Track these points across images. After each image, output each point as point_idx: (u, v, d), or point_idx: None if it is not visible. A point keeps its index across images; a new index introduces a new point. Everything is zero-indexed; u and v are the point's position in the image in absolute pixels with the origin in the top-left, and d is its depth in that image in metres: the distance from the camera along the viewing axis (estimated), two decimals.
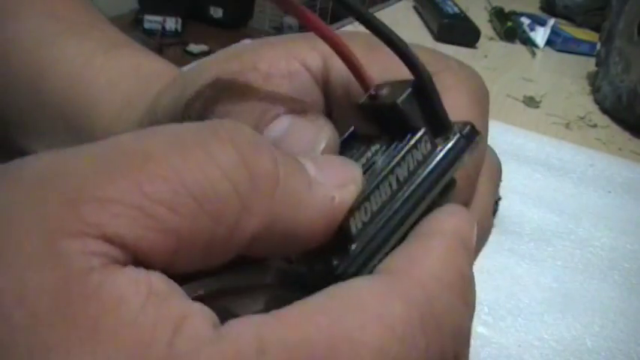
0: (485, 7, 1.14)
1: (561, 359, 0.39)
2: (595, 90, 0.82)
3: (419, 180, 0.19)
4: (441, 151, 0.19)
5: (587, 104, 0.81)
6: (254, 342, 0.15)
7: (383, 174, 0.19)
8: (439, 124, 0.20)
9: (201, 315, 0.15)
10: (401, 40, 0.20)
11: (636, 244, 0.50)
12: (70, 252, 0.15)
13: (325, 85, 0.25)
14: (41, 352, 0.14)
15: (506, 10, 1.08)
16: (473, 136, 0.20)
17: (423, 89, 0.20)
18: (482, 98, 0.24)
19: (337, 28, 0.93)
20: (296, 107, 0.23)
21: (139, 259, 0.15)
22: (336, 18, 2.91)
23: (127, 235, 0.15)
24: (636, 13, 0.76)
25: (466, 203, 0.22)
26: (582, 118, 0.76)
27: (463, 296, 0.18)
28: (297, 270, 0.20)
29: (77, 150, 0.17)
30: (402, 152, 0.19)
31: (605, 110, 0.78)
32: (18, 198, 0.15)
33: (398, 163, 0.19)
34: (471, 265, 0.19)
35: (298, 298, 0.17)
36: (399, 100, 0.20)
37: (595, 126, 0.75)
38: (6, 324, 0.14)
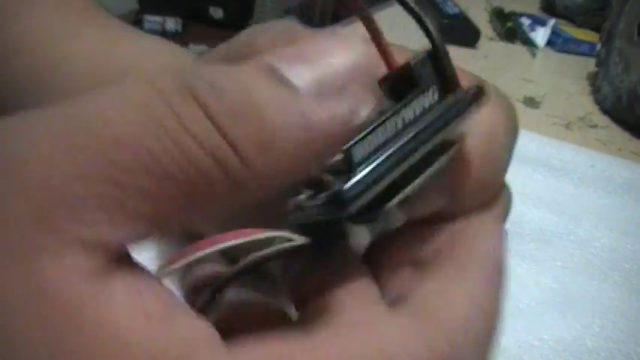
0: (485, 7, 1.14)
1: (561, 359, 0.39)
2: (595, 90, 0.82)
3: (424, 123, 0.20)
4: (447, 101, 0.20)
5: (587, 105, 0.81)
6: None
7: (390, 112, 0.19)
8: (451, 87, 0.21)
9: (207, 334, 0.14)
10: (417, 6, 0.22)
11: (636, 245, 0.50)
12: (48, 275, 0.13)
13: None
14: None
15: (507, 10, 1.08)
16: (479, 94, 0.21)
17: (436, 55, 0.21)
18: (512, 129, 0.23)
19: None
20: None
21: (120, 252, 0.14)
22: (336, 18, 2.91)
23: (107, 234, 0.14)
24: (636, 13, 0.76)
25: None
26: (582, 118, 0.76)
27: (484, 350, 0.18)
28: (308, 209, 0.19)
29: (34, 128, 0.14)
30: (410, 98, 0.20)
31: (605, 111, 0.78)
32: None
33: (404, 105, 0.20)
34: (500, 297, 0.19)
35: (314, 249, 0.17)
36: (413, 62, 0.21)
37: (595, 126, 0.75)
38: None
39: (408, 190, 0.20)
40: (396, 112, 0.19)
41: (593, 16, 1.06)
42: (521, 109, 0.76)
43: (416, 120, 0.20)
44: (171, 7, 3.01)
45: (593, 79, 0.85)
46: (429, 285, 0.18)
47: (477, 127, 0.21)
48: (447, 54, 0.21)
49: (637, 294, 0.45)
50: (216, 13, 3.26)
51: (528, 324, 0.41)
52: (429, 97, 0.20)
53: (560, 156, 0.63)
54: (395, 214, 0.21)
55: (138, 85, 0.15)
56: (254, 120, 0.14)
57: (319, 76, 0.16)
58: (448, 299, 0.17)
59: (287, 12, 3.22)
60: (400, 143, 0.19)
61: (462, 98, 0.20)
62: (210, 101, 0.14)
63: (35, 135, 0.14)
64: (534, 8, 1.18)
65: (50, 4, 0.40)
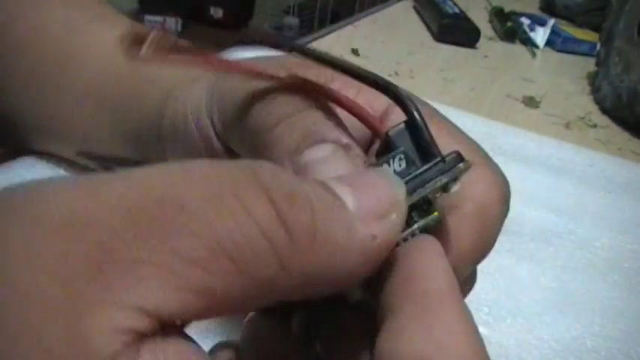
0: (485, 7, 1.14)
1: (561, 359, 0.39)
2: (595, 90, 0.82)
3: None
4: (417, 169, 0.20)
5: (587, 104, 0.81)
6: None
7: None
8: (431, 156, 0.21)
9: None
10: (385, 80, 0.21)
11: (636, 244, 0.50)
12: (95, 334, 0.13)
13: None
14: None
15: (506, 10, 1.08)
16: (456, 161, 0.20)
17: (414, 123, 0.21)
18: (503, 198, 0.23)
19: (336, 30, 0.93)
20: (342, 139, 0.22)
21: (166, 321, 0.14)
22: (335, 18, 2.90)
23: (158, 301, 0.14)
24: (636, 13, 0.76)
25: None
26: (582, 118, 0.76)
27: None
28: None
29: (98, 189, 0.15)
30: (381, 161, 0.20)
31: (605, 110, 0.78)
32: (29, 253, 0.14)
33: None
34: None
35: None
36: (390, 132, 0.21)
37: (595, 126, 0.75)
38: None
39: None
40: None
41: (593, 16, 1.06)
42: (520, 108, 0.76)
43: None
44: (171, 7, 3.01)
45: (593, 79, 0.85)
46: (411, 330, 0.17)
47: (471, 199, 0.22)
48: (424, 124, 0.21)
49: (637, 293, 0.45)
50: (216, 13, 3.26)
51: (528, 323, 0.41)
52: (395, 164, 0.20)
53: (559, 156, 0.63)
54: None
55: (208, 168, 0.16)
56: (310, 217, 0.16)
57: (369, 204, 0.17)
58: (441, 344, 0.16)
59: (286, 12, 3.21)
60: None
61: (432, 165, 0.20)
62: (281, 204, 0.16)
63: (98, 196, 0.15)
64: (534, 8, 1.18)
65: (57, 1, 0.40)
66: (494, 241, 0.23)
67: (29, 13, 0.39)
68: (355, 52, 0.84)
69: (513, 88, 0.81)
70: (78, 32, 0.38)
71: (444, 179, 0.20)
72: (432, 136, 0.21)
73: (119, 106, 0.35)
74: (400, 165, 0.20)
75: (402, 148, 0.20)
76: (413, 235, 0.19)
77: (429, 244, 0.18)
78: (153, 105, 0.32)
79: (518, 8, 1.11)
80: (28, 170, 0.41)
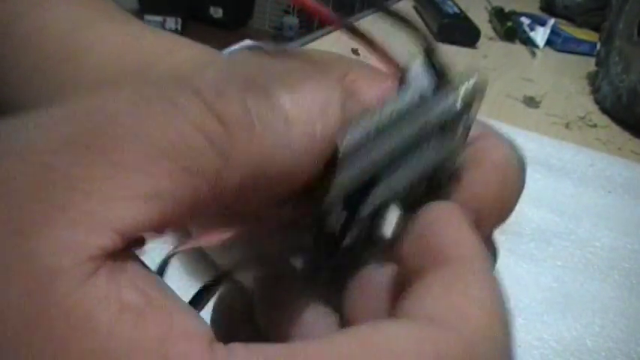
0: (485, 7, 1.14)
1: (561, 359, 0.39)
2: (595, 90, 0.82)
3: (411, 111, 0.20)
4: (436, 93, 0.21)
5: (587, 104, 0.81)
6: None
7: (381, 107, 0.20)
8: (444, 81, 0.21)
9: (190, 331, 0.14)
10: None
11: (636, 245, 0.50)
12: (45, 252, 0.13)
13: None
14: None
15: (506, 10, 1.08)
16: (475, 85, 0.20)
17: (428, 51, 0.21)
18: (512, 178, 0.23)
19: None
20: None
21: (123, 235, 0.14)
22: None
23: (106, 213, 0.14)
24: (636, 13, 0.76)
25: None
26: (582, 118, 0.76)
27: (506, 348, 0.17)
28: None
29: (38, 118, 0.15)
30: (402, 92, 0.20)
31: (605, 110, 0.78)
32: None
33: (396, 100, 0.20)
34: (501, 291, 0.18)
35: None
36: (405, 65, 0.21)
37: (595, 126, 0.75)
38: None
39: (394, 181, 0.20)
40: (389, 106, 0.20)
41: (593, 16, 1.06)
42: (520, 108, 0.76)
43: (407, 110, 0.20)
44: (171, 7, 3.01)
45: (593, 79, 0.85)
46: (431, 294, 0.17)
47: (490, 159, 0.22)
48: (436, 49, 0.21)
49: (637, 293, 0.45)
50: (216, 12, 3.26)
51: (528, 324, 0.41)
52: (423, 90, 0.20)
53: (559, 155, 0.63)
54: (386, 213, 0.21)
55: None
56: (242, 107, 0.16)
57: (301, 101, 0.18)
58: (455, 306, 0.16)
59: (286, 12, 3.22)
60: (387, 123, 0.19)
61: (452, 90, 0.20)
62: (209, 97, 0.16)
63: (40, 124, 0.15)
64: (534, 8, 1.18)
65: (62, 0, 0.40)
66: (513, 208, 0.23)
67: (33, 11, 0.39)
68: (355, 52, 0.84)
69: (513, 88, 0.81)
70: (83, 30, 0.38)
71: (450, 96, 0.20)
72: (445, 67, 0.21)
73: None
74: (427, 92, 0.20)
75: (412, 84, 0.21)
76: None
77: (455, 210, 0.19)
78: None
79: (518, 8, 1.11)
80: None
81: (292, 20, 3.11)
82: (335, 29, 0.25)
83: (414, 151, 0.20)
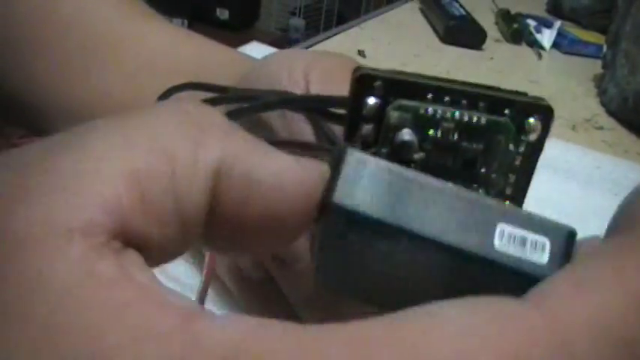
0: (491, 8, 1.13)
1: None
2: (601, 92, 0.82)
3: None
4: None
5: (593, 106, 0.81)
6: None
7: None
8: None
9: (161, 300, 0.13)
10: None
11: None
12: (16, 225, 0.14)
13: None
14: None
15: (513, 12, 1.08)
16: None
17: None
18: None
19: (342, 31, 0.93)
20: None
21: (109, 215, 0.14)
22: (341, 20, 2.90)
23: (86, 191, 0.14)
24: None
25: None
26: (588, 120, 0.76)
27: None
28: None
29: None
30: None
31: (611, 112, 0.78)
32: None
33: None
34: None
35: None
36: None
37: (601, 128, 0.75)
38: None
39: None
40: None
41: (599, 18, 1.06)
42: None
43: None
44: (177, 8, 3.02)
45: (599, 81, 0.84)
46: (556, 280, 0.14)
47: None
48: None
49: None
50: (222, 14, 3.26)
51: None
52: None
53: (566, 158, 0.62)
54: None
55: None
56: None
57: None
58: (596, 284, 0.13)
59: (292, 14, 3.22)
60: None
61: None
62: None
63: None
64: (540, 10, 1.18)
65: None
66: None
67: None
68: (361, 53, 0.84)
69: (519, 90, 0.81)
70: (129, 19, 0.40)
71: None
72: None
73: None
74: None
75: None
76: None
77: None
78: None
79: (524, 10, 1.11)
80: None
81: (299, 22, 3.11)
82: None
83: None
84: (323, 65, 0.28)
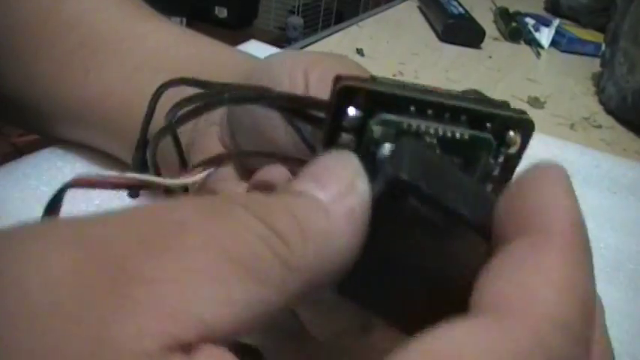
0: (489, 7, 1.14)
1: None
2: (600, 91, 0.82)
3: None
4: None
5: (591, 105, 0.81)
6: None
7: None
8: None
9: None
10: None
11: None
12: (120, 338, 0.13)
13: None
14: None
15: (511, 10, 1.08)
16: None
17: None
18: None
19: (340, 30, 0.93)
20: None
21: (200, 335, 0.14)
22: (340, 18, 2.90)
23: (184, 309, 0.14)
24: None
25: None
26: (587, 118, 0.76)
27: (582, 339, 0.15)
28: None
29: (107, 218, 0.15)
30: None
31: (609, 111, 0.78)
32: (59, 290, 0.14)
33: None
34: (591, 274, 0.16)
35: None
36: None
37: (600, 127, 0.75)
38: None
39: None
40: None
41: (598, 17, 1.06)
42: (525, 109, 0.76)
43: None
44: (175, 7, 3.01)
45: (598, 80, 0.85)
46: (499, 274, 0.16)
47: None
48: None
49: None
50: (221, 12, 3.26)
51: None
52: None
53: (564, 156, 0.63)
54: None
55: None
56: (288, 215, 0.17)
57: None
58: (525, 287, 0.15)
59: (291, 12, 3.22)
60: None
61: None
62: (259, 210, 0.17)
63: (109, 221, 0.15)
64: (539, 8, 1.18)
65: None
66: None
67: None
68: (360, 52, 0.84)
69: (518, 89, 0.81)
70: (130, 18, 0.40)
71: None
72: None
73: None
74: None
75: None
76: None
77: (560, 171, 0.18)
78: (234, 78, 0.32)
79: (523, 8, 1.11)
80: (59, 157, 0.41)
81: (297, 20, 3.11)
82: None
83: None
84: (323, 66, 0.28)
